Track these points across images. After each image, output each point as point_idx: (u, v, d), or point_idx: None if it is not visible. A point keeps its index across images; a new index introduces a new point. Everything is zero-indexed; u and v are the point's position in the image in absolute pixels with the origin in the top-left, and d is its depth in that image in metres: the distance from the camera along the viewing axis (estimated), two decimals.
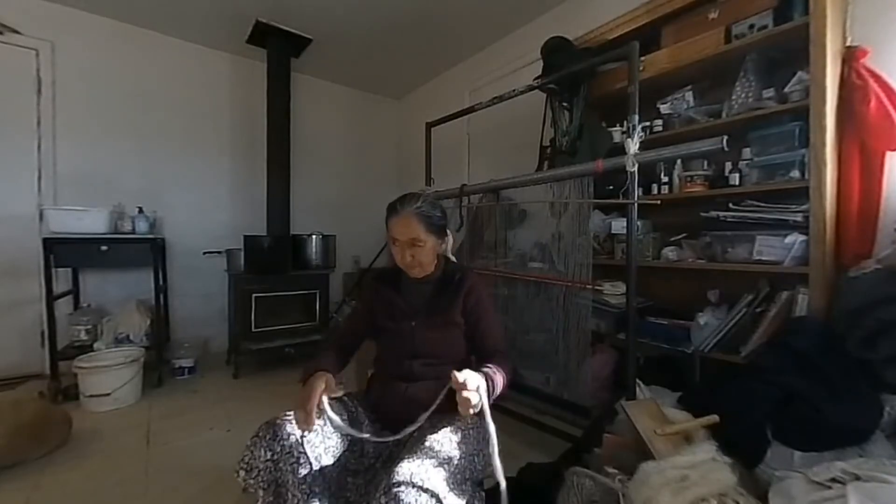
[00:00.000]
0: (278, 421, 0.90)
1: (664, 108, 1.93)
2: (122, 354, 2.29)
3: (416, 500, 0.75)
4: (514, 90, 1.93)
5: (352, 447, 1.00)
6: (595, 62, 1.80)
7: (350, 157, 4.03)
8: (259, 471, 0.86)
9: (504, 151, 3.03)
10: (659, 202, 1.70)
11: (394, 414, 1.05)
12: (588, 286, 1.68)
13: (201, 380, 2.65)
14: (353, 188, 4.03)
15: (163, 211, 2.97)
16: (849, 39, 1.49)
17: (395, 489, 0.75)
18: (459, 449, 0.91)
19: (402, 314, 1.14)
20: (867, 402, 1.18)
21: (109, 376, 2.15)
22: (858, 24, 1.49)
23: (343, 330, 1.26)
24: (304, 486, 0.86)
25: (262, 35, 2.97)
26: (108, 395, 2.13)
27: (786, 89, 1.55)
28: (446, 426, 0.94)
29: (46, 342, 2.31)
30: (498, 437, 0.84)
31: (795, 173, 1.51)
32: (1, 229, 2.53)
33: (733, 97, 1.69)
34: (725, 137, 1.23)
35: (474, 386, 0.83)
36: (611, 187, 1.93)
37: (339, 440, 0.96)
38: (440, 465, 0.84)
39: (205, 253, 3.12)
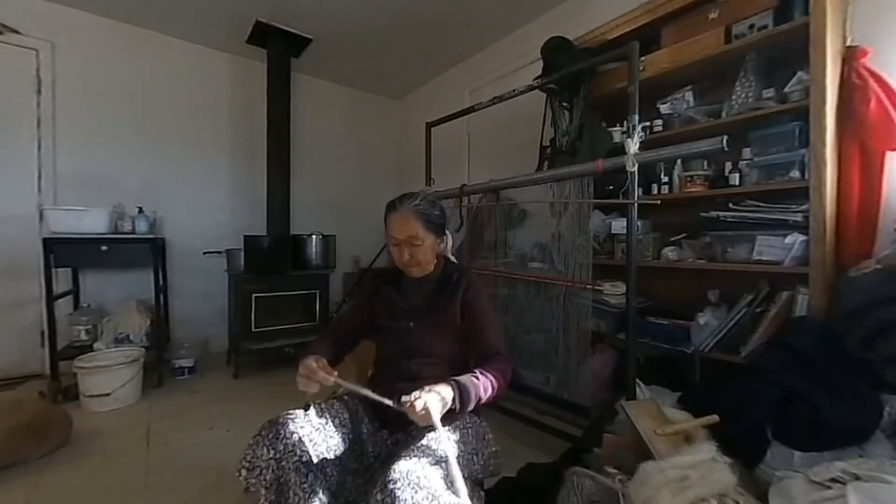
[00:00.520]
0: (281, 420, 0.90)
1: (664, 108, 1.93)
2: (122, 354, 2.29)
3: (412, 497, 0.75)
4: (514, 90, 1.94)
5: (352, 446, 0.99)
6: (595, 62, 1.80)
7: (350, 157, 4.03)
8: (261, 469, 0.86)
9: (504, 151, 3.04)
10: (659, 202, 1.70)
11: (393, 413, 1.05)
12: (588, 286, 1.68)
13: (201, 380, 2.65)
14: (353, 188, 4.03)
15: (163, 211, 2.97)
16: (849, 39, 1.49)
17: (392, 486, 0.75)
18: (458, 448, 0.91)
19: (402, 314, 1.14)
20: (867, 403, 1.18)
21: (109, 376, 2.15)
22: (858, 24, 1.49)
23: (340, 320, 1.25)
24: (305, 485, 0.86)
25: (262, 35, 2.97)
26: (109, 395, 2.13)
27: (786, 89, 1.55)
28: (445, 426, 0.94)
29: (46, 342, 2.31)
30: (498, 436, 0.83)
31: (795, 173, 1.51)
32: (1, 229, 2.53)
33: (733, 97, 1.69)
34: (725, 137, 1.23)
35: (421, 406, 0.80)
36: (611, 187, 1.93)
37: (341, 439, 0.96)
38: (437, 463, 0.84)
39: (205, 253, 3.12)
